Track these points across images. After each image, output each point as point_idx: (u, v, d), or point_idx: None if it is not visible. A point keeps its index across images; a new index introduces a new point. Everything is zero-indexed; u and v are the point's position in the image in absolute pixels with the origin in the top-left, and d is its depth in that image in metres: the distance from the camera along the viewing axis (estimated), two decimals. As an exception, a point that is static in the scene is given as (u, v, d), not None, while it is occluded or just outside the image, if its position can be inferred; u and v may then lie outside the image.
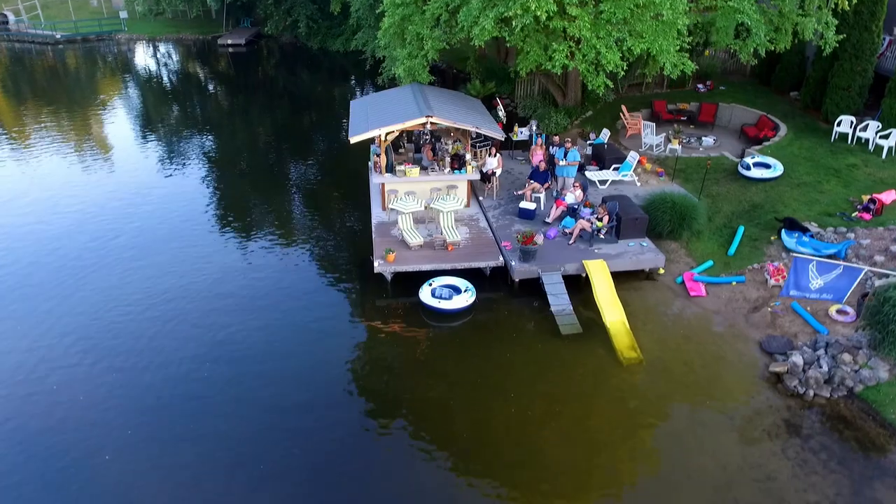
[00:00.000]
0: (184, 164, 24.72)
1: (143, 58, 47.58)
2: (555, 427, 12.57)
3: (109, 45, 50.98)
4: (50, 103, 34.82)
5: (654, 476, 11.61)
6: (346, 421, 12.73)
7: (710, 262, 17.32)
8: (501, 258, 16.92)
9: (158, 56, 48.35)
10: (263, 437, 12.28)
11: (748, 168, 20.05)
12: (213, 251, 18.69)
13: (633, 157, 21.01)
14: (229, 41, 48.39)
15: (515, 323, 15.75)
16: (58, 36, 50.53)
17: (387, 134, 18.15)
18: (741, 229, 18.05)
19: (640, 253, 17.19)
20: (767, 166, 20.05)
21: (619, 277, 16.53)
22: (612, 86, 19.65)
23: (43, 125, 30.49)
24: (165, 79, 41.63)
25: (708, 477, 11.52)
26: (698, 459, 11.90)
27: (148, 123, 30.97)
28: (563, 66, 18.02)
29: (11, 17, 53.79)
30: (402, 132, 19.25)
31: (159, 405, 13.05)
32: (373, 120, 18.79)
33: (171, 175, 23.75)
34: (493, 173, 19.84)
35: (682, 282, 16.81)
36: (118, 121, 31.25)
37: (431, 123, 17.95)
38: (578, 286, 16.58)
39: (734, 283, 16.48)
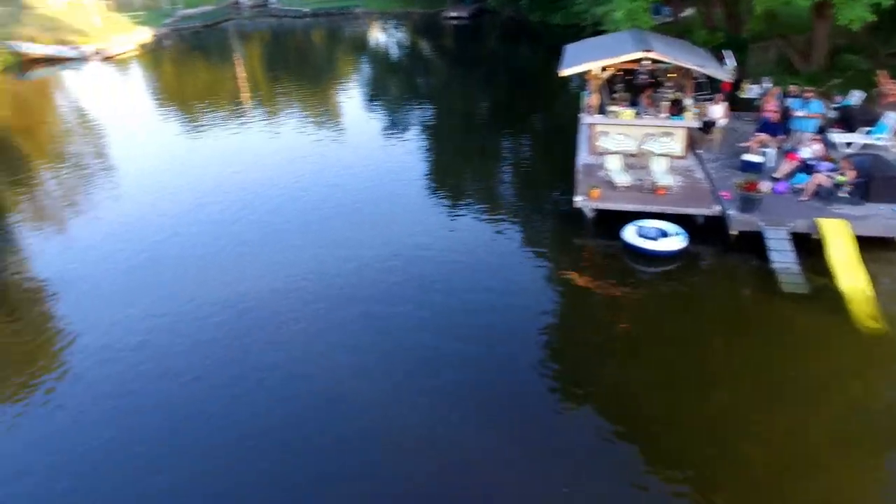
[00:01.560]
0: (403, 130, 25.20)
1: (375, 31, 51.01)
2: (772, 396, 10.80)
3: (347, 20, 55.48)
4: (293, 71, 38.60)
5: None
6: (524, 364, 11.66)
7: None
8: (718, 207, 15.28)
9: (388, 29, 51.54)
10: (434, 360, 11.91)
11: None
12: (420, 198, 18.73)
13: (890, 118, 17.88)
14: (453, 14, 50.21)
15: (730, 279, 14.09)
16: (305, 10, 56.46)
17: (603, 69, 17.25)
18: None
19: (894, 219, 14.52)
20: None
21: (863, 244, 14.05)
22: (872, 18, 16.60)
23: (286, 90, 33.61)
24: (393, 51, 44.23)
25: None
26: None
27: (375, 92, 32.31)
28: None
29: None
30: (617, 72, 18.20)
31: (348, 320, 13.32)
32: (586, 56, 17.97)
33: (391, 138, 24.22)
34: (716, 123, 18.03)
35: (950, 256, 13.91)
36: (348, 89, 33.04)
37: (652, 61, 16.72)
38: (808, 249, 14.39)
39: None
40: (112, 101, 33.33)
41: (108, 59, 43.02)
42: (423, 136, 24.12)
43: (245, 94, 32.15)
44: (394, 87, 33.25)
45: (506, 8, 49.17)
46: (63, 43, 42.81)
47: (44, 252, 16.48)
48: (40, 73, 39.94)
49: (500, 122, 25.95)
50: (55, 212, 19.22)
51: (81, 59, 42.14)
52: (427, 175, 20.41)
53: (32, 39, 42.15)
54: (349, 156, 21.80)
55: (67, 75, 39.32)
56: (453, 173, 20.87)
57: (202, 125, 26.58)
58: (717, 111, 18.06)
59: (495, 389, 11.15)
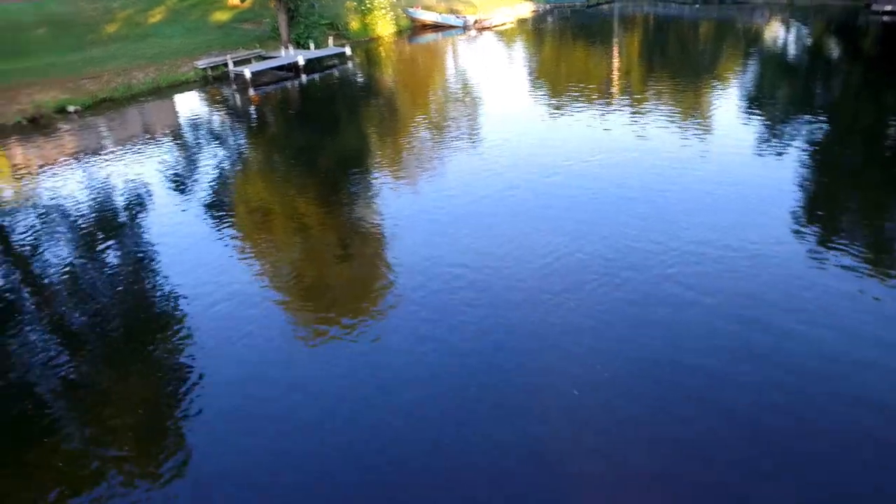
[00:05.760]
0: (782, 147, 18.76)
1: (774, 25, 43.49)
2: None
3: (743, 11, 48.75)
4: (670, 62, 34.61)
5: None
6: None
7: None
8: None
9: (791, 24, 43.53)
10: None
11: None
12: (780, 232, 13.78)
13: None
14: (887, 8, 39.96)
15: None
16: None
17: None
18: None
19: None
20: None
21: None
22: None
23: (658, 83, 29.39)
24: (791, 51, 36.64)
25: None
26: None
27: (757, 100, 25.35)
28: None
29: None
30: None
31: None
32: None
33: (763, 155, 18.23)
34: None
35: None
36: (726, 91, 26.25)
37: None
38: None
39: None
40: (481, 67, 33.82)
41: (485, 29, 44.21)
42: (807, 157, 17.96)
43: (614, 80, 29.20)
44: (782, 97, 26.22)
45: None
46: (451, 12, 45.18)
47: (389, 198, 16.90)
48: (428, 37, 42.72)
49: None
50: (411, 162, 19.68)
51: (463, 28, 43.96)
52: (795, 204, 14.88)
53: (428, 8, 45.29)
54: (709, 166, 17.19)
55: (448, 41, 41.23)
56: (833, 206, 15.23)
57: (564, 104, 24.51)
58: None
59: None
